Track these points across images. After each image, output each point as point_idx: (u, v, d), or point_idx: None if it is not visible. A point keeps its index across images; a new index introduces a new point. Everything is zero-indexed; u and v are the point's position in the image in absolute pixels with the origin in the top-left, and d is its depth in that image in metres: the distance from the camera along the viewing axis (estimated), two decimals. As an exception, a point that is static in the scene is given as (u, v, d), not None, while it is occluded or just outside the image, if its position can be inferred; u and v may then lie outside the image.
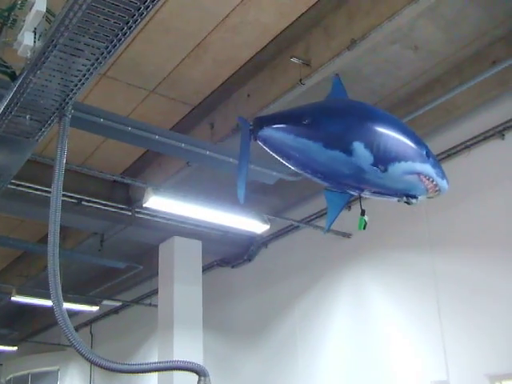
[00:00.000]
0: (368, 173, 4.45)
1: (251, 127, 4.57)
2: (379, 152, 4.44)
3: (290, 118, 4.62)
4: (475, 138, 8.14)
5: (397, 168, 4.52)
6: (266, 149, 4.58)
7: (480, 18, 6.96)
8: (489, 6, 6.81)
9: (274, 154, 4.60)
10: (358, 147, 4.39)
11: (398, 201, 4.82)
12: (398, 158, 4.53)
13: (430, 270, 8.41)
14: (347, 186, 4.73)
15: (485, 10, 6.86)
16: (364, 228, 4.73)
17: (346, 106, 4.95)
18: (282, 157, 4.60)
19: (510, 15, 6.94)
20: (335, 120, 4.58)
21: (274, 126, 4.52)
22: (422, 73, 7.89)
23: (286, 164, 4.67)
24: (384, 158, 4.46)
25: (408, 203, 4.79)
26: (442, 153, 8.26)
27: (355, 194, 4.75)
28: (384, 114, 5.04)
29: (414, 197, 4.80)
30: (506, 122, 7.83)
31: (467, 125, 8.22)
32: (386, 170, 4.47)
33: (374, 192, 4.69)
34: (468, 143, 8.21)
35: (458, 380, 7.79)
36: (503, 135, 7.89)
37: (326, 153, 4.39)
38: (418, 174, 4.67)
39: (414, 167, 4.62)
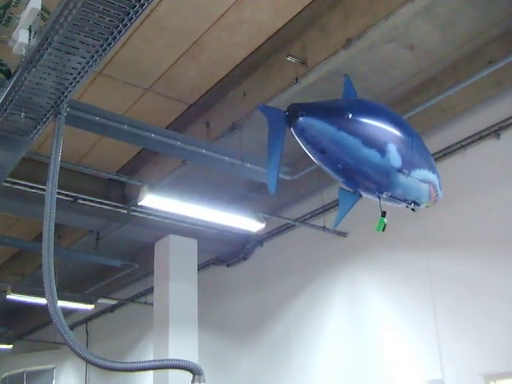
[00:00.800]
0: (393, 175, 4.50)
1: (287, 113, 4.38)
2: (406, 156, 4.53)
3: (332, 110, 4.49)
4: (471, 137, 8.15)
5: (417, 174, 4.64)
6: (299, 138, 4.40)
7: (476, 17, 6.97)
8: (484, 6, 6.82)
9: (305, 146, 4.44)
10: (392, 149, 4.45)
11: (407, 207, 4.90)
12: (419, 165, 4.67)
13: (425, 269, 8.42)
14: (368, 187, 4.68)
15: (480, 10, 6.88)
16: (383, 230, 4.74)
17: (381, 108, 5.01)
18: (315, 149, 4.43)
19: (506, 15, 6.95)
20: (376, 119, 4.58)
21: (317, 116, 4.36)
22: (418, 72, 7.90)
23: (315, 158, 4.53)
24: (409, 163, 4.55)
25: (413, 210, 4.92)
26: (438, 152, 8.26)
27: (373, 196, 4.74)
28: (406, 121, 5.17)
29: (419, 204, 4.91)
30: (502, 122, 7.84)
31: (463, 124, 8.23)
32: (408, 175, 4.55)
33: (391, 196, 4.70)
34: (463, 143, 8.22)
35: (452, 379, 7.80)
36: (499, 135, 7.89)
37: (363, 150, 4.35)
38: (430, 182, 4.84)
39: (428, 176, 4.80)
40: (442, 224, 8.34)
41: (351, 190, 4.88)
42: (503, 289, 7.47)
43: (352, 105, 4.65)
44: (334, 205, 9.98)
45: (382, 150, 4.41)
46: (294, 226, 10.67)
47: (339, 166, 4.46)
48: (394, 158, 4.45)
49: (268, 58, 7.39)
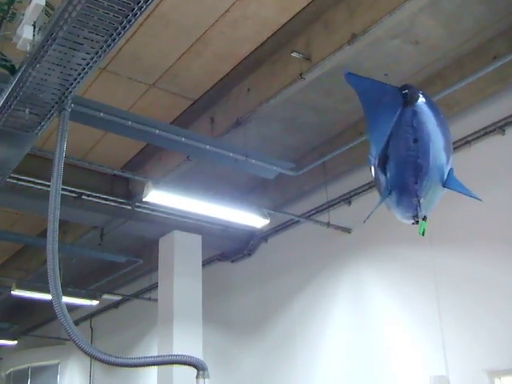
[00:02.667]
0: (439, 185, 4.57)
1: (405, 92, 4.28)
2: (449, 171, 4.62)
3: (434, 105, 4.45)
4: (476, 133, 8.13)
5: (444, 191, 4.72)
6: (400, 120, 4.30)
7: (480, 12, 6.94)
8: (489, 1, 6.80)
9: (403, 128, 4.32)
10: (450, 160, 4.54)
11: (414, 217, 4.90)
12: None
13: (429, 265, 8.41)
14: (414, 189, 4.63)
15: (485, 5, 6.85)
16: (423, 234, 4.75)
17: None
18: (412, 136, 4.33)
19: (511, 10, 6.92)
20: (448, 129, 4.62)
21: (428, 104, 4.31)
22: (423, 68, 7.88)
23: (399, 145, 4.43)
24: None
25: (417, 222, 4.91)
26: (443, 148, 8.24)
27: (405, 198, 4.73)
28: None
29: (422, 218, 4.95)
30: (507, 118, 7.81)
31: (468, 120, 8.20)
32: (443, 189, 4.63)
33: (422, 202, 4.71)
34: (468, 138, 8.19)
35: (457, 375, 7.79)
36: (504, 131, 7.87)
37: (441, 152, 4.40)
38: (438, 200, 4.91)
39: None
40: (447, 220, 8.31)
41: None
42: (508, 285, 7.46)
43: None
44: (338, 201, 9.98)
45: (448, 158, 4.46)
46: (298, 221, 10.66)
47: (419, 160, 4.37)
48: (449, 168, 4.55)
49: (272, 53, 7.38)
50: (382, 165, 4.61)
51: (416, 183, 4.51)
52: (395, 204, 4.87)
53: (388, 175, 4.61)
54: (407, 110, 4.25)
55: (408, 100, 4.23)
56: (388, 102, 4.35)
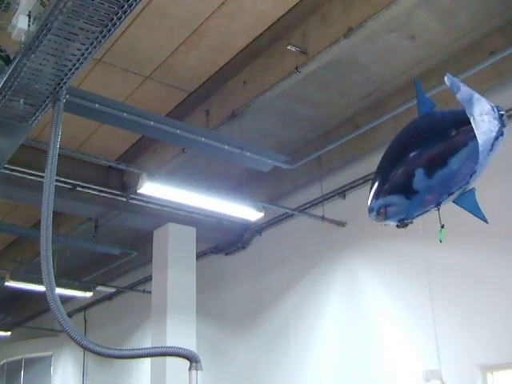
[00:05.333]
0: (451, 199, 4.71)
1: (503, 114, 4.31)
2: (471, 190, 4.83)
3: None
4: (471, 128, 8.12)
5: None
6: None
7: (477, 8, 6.94)
8: (486, -4, 6.80)
9: (482, 135, 4.39)
10: None
11: (402, 221, 4.95)
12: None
13: (423, 260, 8.42)
14: (442, 198, 4.83)
15: (481, 1, 6.85)
16: (441, 241, 4.86)
17: None
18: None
19: (508, 6, 6.92)
20: None
21: None
22: (419, 62, 7.88)
23: (467, 158, 4.54)
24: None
25: (405, 226, 4.97)
26: (438, 143, 8.24)
27: (431, 206, 4.85)
28: None
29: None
30: (502, 113, 7.81)
31: (463, 115, 8.20)
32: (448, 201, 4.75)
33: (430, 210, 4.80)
34: (463, 133, 8.18)
35: (449, 370, 7.82)
36: (499, 126, 7.87)
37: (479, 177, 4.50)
38: None
39: None
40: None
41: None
42: (501, 280, 7.48)
43: None
44: (333, 194, 9.98)
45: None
46: (292, 215, 10.66)
47: (472, 174, 4.54)
48: (473, 188, 4.75)
49: (268, 46, 7.37)
50: (433, 169, 4.64)
51: (451, 194, 4.61)
52: (408, 207, 4.90)
53: (434, 180, 4.64)
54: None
55: (502, 122, 4.30)
56: (487, 114, 4.34)
